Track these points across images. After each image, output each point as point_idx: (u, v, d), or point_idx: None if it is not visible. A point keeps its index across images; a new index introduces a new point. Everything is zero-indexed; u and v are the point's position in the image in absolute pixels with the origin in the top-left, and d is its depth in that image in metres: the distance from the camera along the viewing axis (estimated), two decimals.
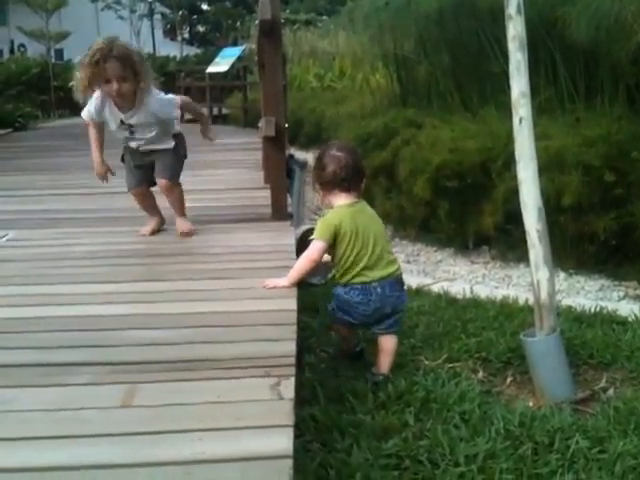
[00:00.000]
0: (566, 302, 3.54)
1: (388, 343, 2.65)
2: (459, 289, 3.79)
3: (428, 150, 4.90)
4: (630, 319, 3.24)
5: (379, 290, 2.55)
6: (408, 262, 4.65)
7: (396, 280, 2.62)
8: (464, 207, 4.69)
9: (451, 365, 2.75)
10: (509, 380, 2.72)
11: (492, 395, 2.56)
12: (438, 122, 5.36)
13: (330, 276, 3.01)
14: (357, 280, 2.57)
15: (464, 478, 1.98)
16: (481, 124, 5.05)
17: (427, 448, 2.12)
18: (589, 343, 2.88)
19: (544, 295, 2.53)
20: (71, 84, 3.18)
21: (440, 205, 4.75)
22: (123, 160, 3.56)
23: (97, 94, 3.22)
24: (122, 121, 3.31)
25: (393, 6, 6.52)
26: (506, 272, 4.35)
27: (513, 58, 2.63)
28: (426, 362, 2.78)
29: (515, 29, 2.62)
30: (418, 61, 6.70)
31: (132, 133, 3.38)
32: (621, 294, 3.87)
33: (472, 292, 3.70)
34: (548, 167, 4.12)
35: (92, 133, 3.38)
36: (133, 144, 3.45)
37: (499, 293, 3.74)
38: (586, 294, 3.91)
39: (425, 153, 4.90)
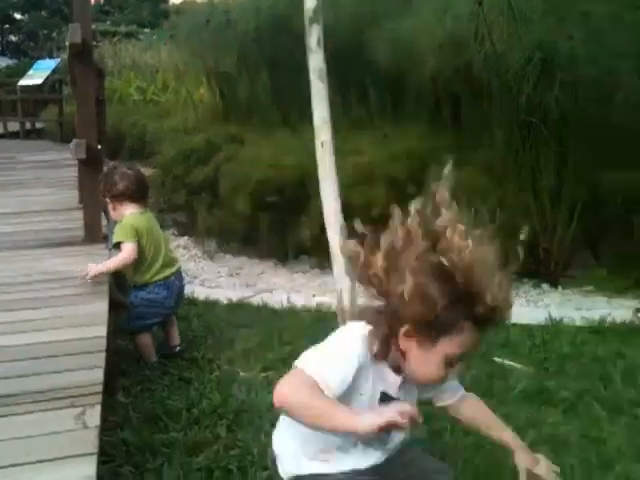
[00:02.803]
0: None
1: (174, 320, 3.15)
2: (278, 299, 3.95)
3: (249, 165, 5.05)
4: None
5: (177, 283, 3.03)
6: (231, 275, 4.75)
7: (181, 273, 3.13)
8: (284, 220, 4.88)
9: (265, 374, 2.88)
10: None
11: None
12: (259, 138, 5.53)
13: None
14: (160, 277, 2.95)
15: None
16: (299, 140, 5.28)
17: (238, 457, 2.22)
18: None
19: (346, 302, 2.74)
20: None
21: (261, 219, 4.90)
22: None
23: None
24: None
25: (213, 24, 6.63)
26: (323, 279, 4.57)
27: (314, 87, 2.81)
28: (242, 374, 2.88)
29: (315, 61, 2.80)
30: (239, 78, 6.84)
31: None
32: None
33: (289, 301, 3.86)
34: (359, 181, 4.43)
35: None
36: None
37: (315, 301, 3.94)
38: None
39: (246, 168, 5.04)
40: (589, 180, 4.12)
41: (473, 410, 1.59)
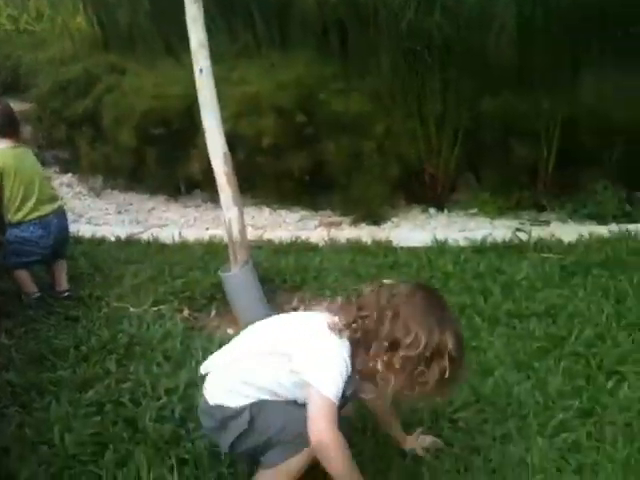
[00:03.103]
0: (268, 236, 3.83)
1: (62, 265, 3.03)
2: (169, 235, 3.87)
3: (132, 97, 4.82)
4: (320, 245, 3.63)
5: (56, 221, 2.93)
6: (120, 213, 4.61)
7: (63, 212, 3.05)
8: (172, 153, 4.73)
9: (156, 308, 2.85)
10: (213, 313, 2.90)
11: (195, 330, 2.71)
12: (141, 68, 5.27)
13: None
14: (34, 215, 2.84)
15: (165, 410, 2.10)
16: (184, 69, 5.07)
17: (130, 390, 2.20)
18: (282, 270, 3.17)
19: (235, 232, 2.72)
20: None
21: (148, 152, 4.73)
22: None
23: None
24: None
25: None
26: (216, 213, 4.50)
27: (188, 10, 2.69)
28: (132, 309, 2.83)
29: None
30: (118, 3, 6.44)
31: None
32: (316, 223, 4.28)
33: (181, 236, 3.80)
34: (247, 111, 4.34)
35: None
36: None
37: (208, 234, 3.89)
38: (287, 226, 4.26)
39: (129, 100, 4.81)
40: (471, 105, 4.23)
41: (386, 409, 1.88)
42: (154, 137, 4.65)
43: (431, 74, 4.29)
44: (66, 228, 3.07)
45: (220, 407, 1.63)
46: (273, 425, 1.59)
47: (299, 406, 1.59)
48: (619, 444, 1.94)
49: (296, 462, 1.59)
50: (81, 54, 6.31)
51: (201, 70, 2.68)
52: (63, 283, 3.00)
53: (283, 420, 1.59)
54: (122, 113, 4.77)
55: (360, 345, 1.58)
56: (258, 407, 1.61)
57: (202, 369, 1.74)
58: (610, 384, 2.25)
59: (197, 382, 2.23)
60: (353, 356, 1.60)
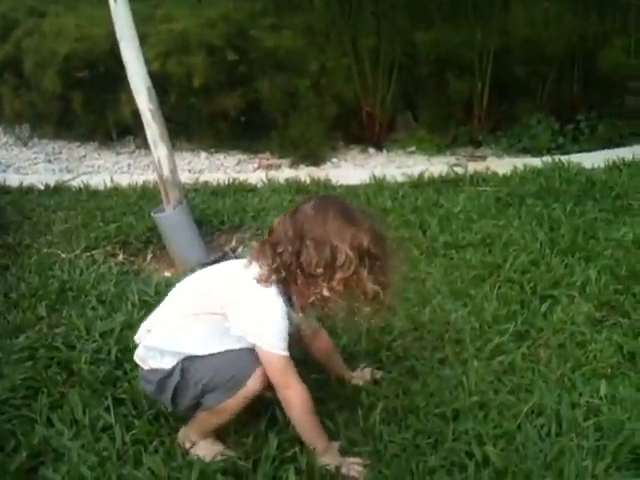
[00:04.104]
0: (205, 178, 3.74)
1: None
2: (100, 181, 3.74)
3: (53, 40, 4.58)
4: (259, 186, 3.57)
5: None
6: (49, 162, 4.44)
7: None
8: (101, 97, 4.55)
9: (89, 254, 2.76)
10: (149, 257, 2.83)
11: (130, 274, 2.65)
12: (62, 9, 5.01)
13: None
14: None
15: (100, 352, 2.04)
16: (107, 9, 4.84)
17: (63, 334, 2.14)
18: (220, 211, 3.11)
19: (166, 171, 2.64)
20: None
21: (74, 98, 4.53)
22: None
23: None
24: None
25: None
26: (151, 159, 4.36)
27: None
28: (63, 255, 2.74)
29: None
30: None
31: None
32: (255, 165, 4.21)
33: (113, 182, 3.68)
34: (175, 50, 4.18)
35: None
36: None
37: (142, 180, 3.78)
38: (225, 169, 4.18)
39: (50, 43, 4.57)
40: (405, 40, 4.18)
41: (325, 344, 1.87)
42: (79, 81, 4.45)
43: (363, 8, 4.21)
44: None
45: (154, 371, 1.63)
46: (204, 374, 1.59)
47: (226, 352, 1.59)
48: (553, 364, 1.99)
49: (232, 404, 1.59)
50: None
51: (116, 0, 2.54)
52: None
53: (213, 367, 1.59)
54: (44, 58, 4.53)
55: (290, 281, 1.56)
56: (188, 360, 1.60)
57: (135, 338, 1.70)
58: (544, 307, 2.30)
59: (133, 324, 2.19)
60: (287, 295, 1.58)
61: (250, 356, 1.57)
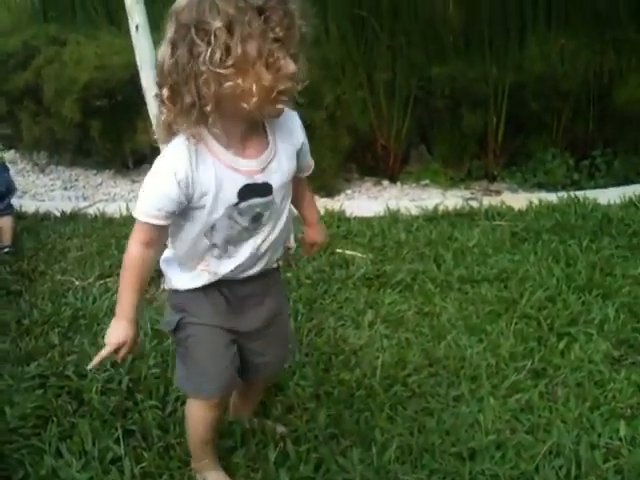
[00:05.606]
0: None
1: (7, 222, 3.10)
2: (116, 208, 3.76)
3: (73, 68, 4.64)
4: None
5: None
6: (65, 189, 4.47)
7: (3, 164, 3.21)
8: (118, 126, 4.60)
9: (103, 281, 2.76)
10: (162, 286, 2.81)
11: (143, 303, 2.62)
12: (82, 38, 5.09)
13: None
14: None
15: (112, 382, 2.03)
16: (126, 38, 4.92)
17: (74, 362, 2.12)
18: None
19: None
20: None
21: (92, 126, 4.57)
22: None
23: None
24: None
25: None
26: None
27: None
28: (77, 283, 2.74)
29: None
30: None
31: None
32: None
33: (128, 210, 3.69)
34: None
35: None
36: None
37: None
38: None
39: (70, 71, 4.63)
40: (420, 74, 4.21)
41: (300, 188, 1.64)
42: (98, 109, 4.50)
43: (379, 41, 4.25)
44: (10, 183, 3.18)
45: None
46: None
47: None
48: (571, 404, 1.95)
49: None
50: (19, 26, 6.08)
51: (137, 27, 2.57)
52: (5, 238, 2.97)
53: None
54: (63, 85, 4.59)
55: (194, 108, 1.25)
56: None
57: None
58: (561, 345, 2.26)
59: (145, 353, 2.18)
60: (205, 123, 1.27)
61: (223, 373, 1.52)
